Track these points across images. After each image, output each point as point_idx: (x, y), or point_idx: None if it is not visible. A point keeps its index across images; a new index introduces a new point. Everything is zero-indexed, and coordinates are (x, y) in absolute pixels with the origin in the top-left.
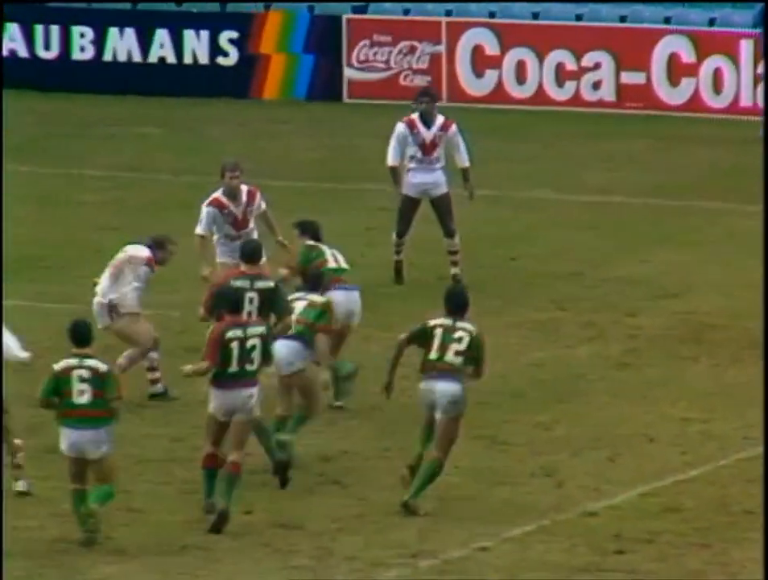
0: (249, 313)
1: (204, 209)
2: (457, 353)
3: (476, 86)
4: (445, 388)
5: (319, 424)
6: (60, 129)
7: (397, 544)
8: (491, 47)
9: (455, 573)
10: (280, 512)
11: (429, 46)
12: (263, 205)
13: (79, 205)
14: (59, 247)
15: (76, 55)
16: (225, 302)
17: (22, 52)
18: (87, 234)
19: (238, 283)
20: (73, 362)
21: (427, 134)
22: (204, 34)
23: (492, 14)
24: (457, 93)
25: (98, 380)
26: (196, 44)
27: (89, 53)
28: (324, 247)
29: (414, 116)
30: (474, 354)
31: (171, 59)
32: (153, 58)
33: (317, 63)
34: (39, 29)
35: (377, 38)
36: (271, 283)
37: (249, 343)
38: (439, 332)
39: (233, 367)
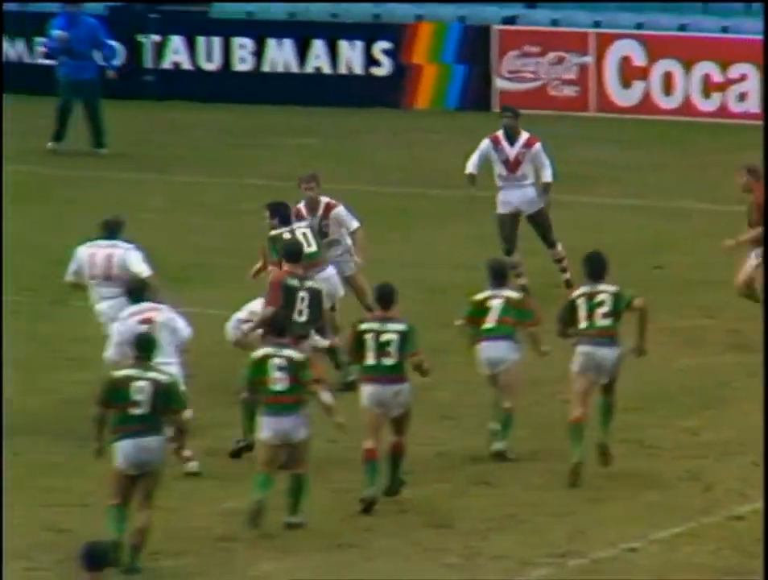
0: (301, 311)
1: None
2: (605, 315)
3: (623, 97)
4: (606, 353)
5: (471, 427)
6: (223, 139)
7: (546, 543)
8: (638, 59)
9: (603, 573)
10: (432, 512)
11: (577, 57)
12: (353, 224)
13: (241, 214)
14: (223, 255)
15: (237, 66)
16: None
17: (186, 65)
18: (249, 242)
19: (291, 282)
20: (271, 350)
21: (511, 151)
22: (359, 44)
23: (639, 26)
24: (605, 104)
25: (294, 367)
26: (350, 54)
27: (249, 64)
28: (294, 230)
29: (500, 133)
30: (621, 310)
31: (327, 69)
32: (309, 68)
33: (468, 73)
34: (201, 41)
35: (526, 49)
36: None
37: (384, 338)
38: (581, 301)
39: (370, 360)
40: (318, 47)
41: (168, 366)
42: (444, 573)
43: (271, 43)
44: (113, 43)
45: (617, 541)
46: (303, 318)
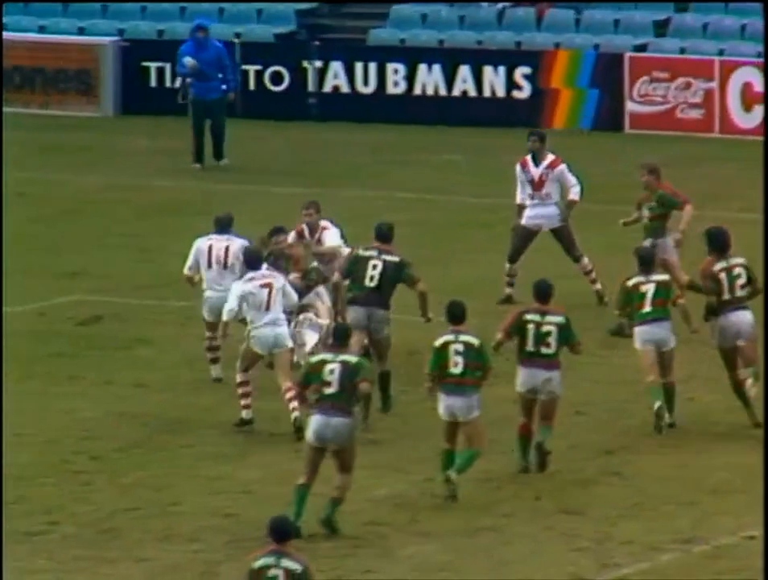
0: (372, 277)
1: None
2: (742, 286)
3: (745, 119)
4: (746, 318)
5: (602, 421)
6: (378, 156)
7: (672, 530)
8: (758, 84)
9: (725, 559)
10: (565, 500)
11: (703, 82)
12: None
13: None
14: None
15: (390, 89)
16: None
17: (345, 88)
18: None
19: (366, 253)
20: (450, 337)
21: (535, 172)
22: (501, 70)
23: (759, 55)
24: (728, 126)
25: (471, 353)
26: (494, 79)
27: (401, 87)
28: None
29: (527, 157)
30: (753, 277)
31: (472, 92)
32: (456, 91)
33: (601, 97)
34: (358, 66)
35: (655, 74)
36: (397, 258)
37: (545, 328)
38: (723, 275)
39: (530, 347)
40: (464, 72)
41: (280, 321)
42: (576, 557)
43: (422, 68)
44: (229, 67)
45: (737, 529)
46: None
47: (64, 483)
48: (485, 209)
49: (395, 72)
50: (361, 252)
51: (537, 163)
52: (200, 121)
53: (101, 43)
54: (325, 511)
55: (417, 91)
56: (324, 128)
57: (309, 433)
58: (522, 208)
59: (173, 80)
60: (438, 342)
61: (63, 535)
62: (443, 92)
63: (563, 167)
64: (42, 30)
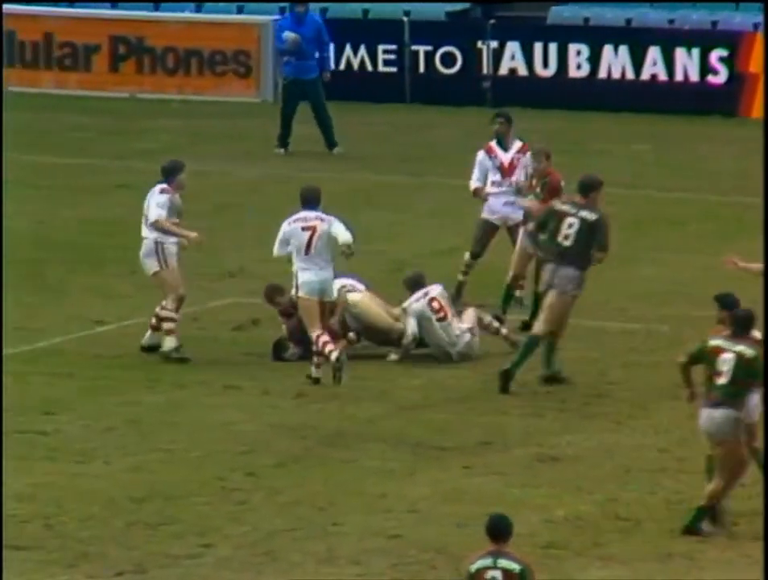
0: (567, 236)
1: None
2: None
3: None
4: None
5: None
6: (557, 145)
7: None
8: None
9: None
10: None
11: None
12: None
13: None
14: None
15: (572, 73)
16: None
17: (522, 71)
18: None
19: (563, 208)
20: (722, 343)
21: (505, 157)
22: (695, 52)
23: None
24: None
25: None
26: (687, 62)
27: (584, 71)
28: None
29: (492, 142)
30: None
31: (663, 76)
32: (645, 75)
33: None
34: (537, 47)
35: None
36: (595, 216)
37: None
38: None
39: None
40: (654, 54)
41: (326, 268)
42: None
43: (608, 49)
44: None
45: None
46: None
47: (218, 502)
48: (675, 204)
49: (578, 54)
50: (558, 206)
51: (505, 147)
52: (293, 102)
53: (262, 22)
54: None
55: (602, 74)
56: None
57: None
58: (477, 193)
59: (337, 63)
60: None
61: (216, 558)
62: (630, 76)
63: (530, 154)
64: (199, 8)
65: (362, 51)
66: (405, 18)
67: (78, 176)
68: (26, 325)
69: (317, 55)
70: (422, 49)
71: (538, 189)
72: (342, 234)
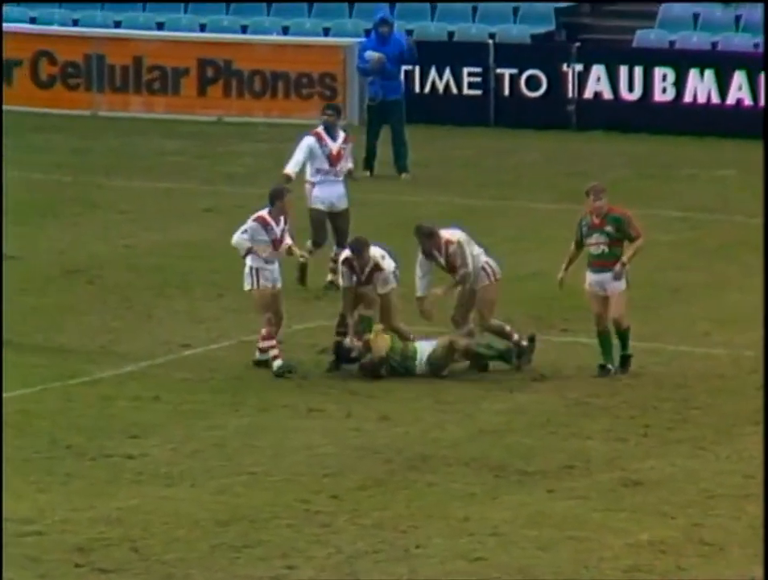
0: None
1: None
2: None
3: None
4: None
5: None
6: (639, 170)
7: None
8: None
9: None
10: None
11: None
12: None
13: (656, 245)
14: (640, 286)
15: (657, 96)
16: None
17: (606, 94)
18: (664, 274)
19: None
20: None
21: (333, 145)
22: None
23: None
24: None
25: None
26: None
27: (670, 95)
28: None
29: (320, 129)
30: None
31: (748, 101)
32: (731, 100)
33: None
34: (622, 71)
35: None
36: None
37: None
38: None
39: None
40: (740, 78)
41: None
42: None
43: (693, 73)
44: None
45: None
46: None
47: (301, 525)
48: (760, 230)
49: (663, 78)
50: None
51: (334, 137)
52: (376, 124)
53: (347, 44)
54: None
55: (687, 99)
56: (583, 138)
57: None
58: (288, 179)
59: (422, 85)
60: None
61: None
62: (715, 100)
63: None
64: (286, 31)
65: (447, 74)
66: (490, 41)
67: (166, 200)
68: (114, 349)
69: (401, 74)
70: (507, 72)
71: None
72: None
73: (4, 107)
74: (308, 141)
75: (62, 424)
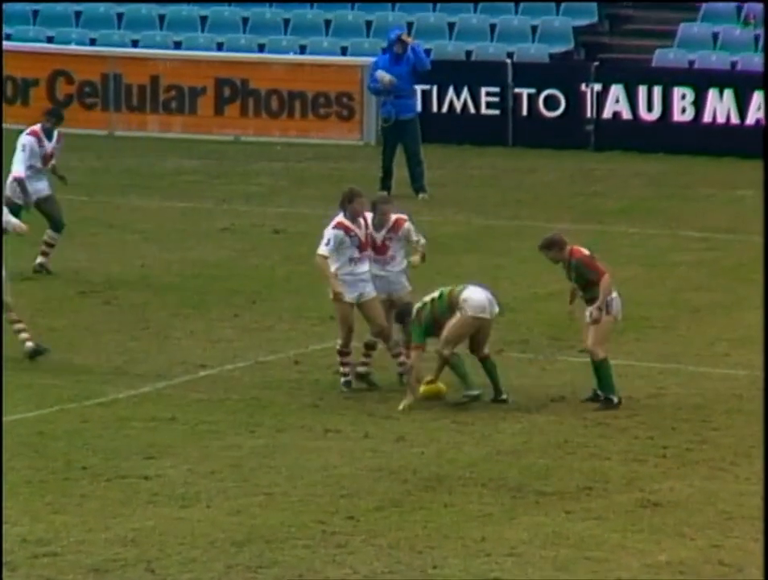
0: None
1: None
2: None
3: None
4: None
5: None
6: (658, 190)
7: None
8: None
9: None
10: None
11: None
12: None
13: (675, 265)
14: (660, 307)
15: (677, 116)
16: None
17: (625, 114)
18: (683, 294)
19: None
20: None
21: (49, 146)
22: None
23: None
24: None
25: None
26: None
27: (689, 114)
28: None
29: (38, 129)
30: None
31: None
32: (750, 120)
33: None
34: (641, 91)
35: None
36: None
37: None
38: None
39: None
40: (759, 99)
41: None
42: None
43: (712, 93)
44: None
45: None
46: None
47: (318, 545)
48: None
49: (682, 98)
50: None
51: (50, 138)
52: (392, 143)
53: (364, 63)
54: None
55: (706, 118)
56: (602, 158)
57: None
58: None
59: (439, 105)
60: None
61: None
62: (735, 120)
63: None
64: (303, 50)
65: (465, 93)
66: (508, 61)
67: (182, 220)
68: (130, 369)
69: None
70: (525, 92)
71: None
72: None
73: (20, 126)
74: (29, 140)
75: (78, 445)
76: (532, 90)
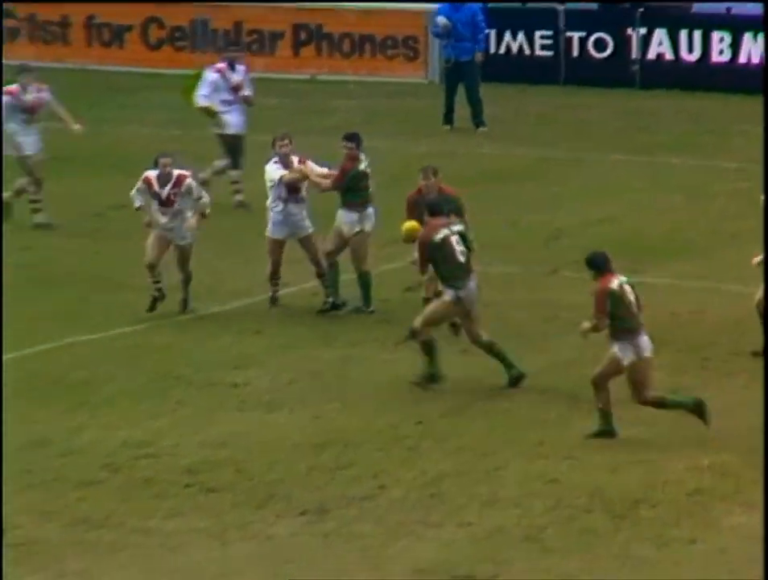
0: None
1: None
2: None
3: None
4: None
5: None
6: (699, 125)
7: None
8: None
9: None
10: None
11: None
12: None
13: (714, 195)
14: (701, 233)
15: (715, 57)
16: None
17: (668, 56)
18: (723, 222)
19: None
20: None
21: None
22: None
23: None
24: None
25: None
26: None
27: (726, 56)
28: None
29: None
30: None
31: None
32: None
33: None
34: (683, 34)
35: None
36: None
37: None
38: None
39: None
40: None
41: None
42: None
43: (747, 37)
44: (486, 30)
45: None
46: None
47: (390, 448)
48: None
49: (720, 41)
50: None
51: (235, 71)
52: (451, 82)
53: (428, 10)
54: None
55: (741, 60)
56: (646, 96)
57: None
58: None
59: (497, 47)
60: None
61: (390, 499)
62: None
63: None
64: None
65: (520, 37)
66: (561, 7)
67: (264, 151)
68: (219, 287)
69: (475, 37)
70: (576, 35)
71: None
72: None
73: (116, 67)
74: (213, 76)
75: (171, 356)
76: (582, 34)
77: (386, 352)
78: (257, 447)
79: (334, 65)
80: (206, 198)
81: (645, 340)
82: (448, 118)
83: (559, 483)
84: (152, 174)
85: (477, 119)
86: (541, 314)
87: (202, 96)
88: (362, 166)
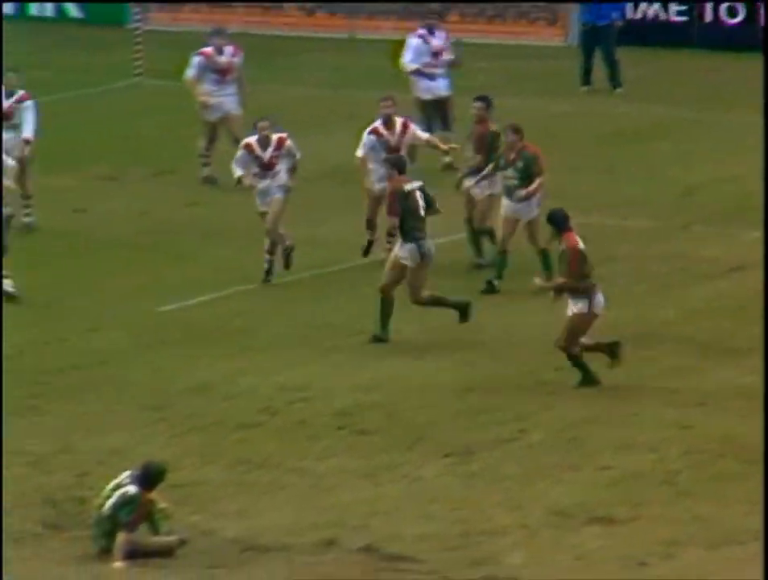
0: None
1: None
2: None
3: None
4: None
5: None
6: None
7: None
8: None
9: None
10: None
11: None
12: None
13: None
14: None
15: None
16: None
17: None
18: None
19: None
20: None
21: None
22: None
23: None
24: None
25: None
26: None
27: None
28: None
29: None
30: None
31: None
32: None
33: None
34: None
35: None
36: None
37: None
38: None
39: None
40: None
41: None
42: None
43: None
44: None
45: None
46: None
47: (531, 393)
48: None
49: None
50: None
51: (434, 35)
52: (590, 45)
53: None
54: None
55: None
56: None
57: None
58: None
59: (634, 12)
60: None
61: (530, 442)
62: None
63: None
64: None
65: (656, 3)
66: None
67: (410, 111)
68: (362, 241)
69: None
70: (709, 2)
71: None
72: None
73: (276, 31)
74: (414, 41)
75: (321, 306)
76: (715, 0)
77: (524, 302)
78: (405, 391)
79: (479, 29)
80: (299, 155)
81: (600, 298)
82: (586, 79)
83: (692, 429)
84: (252, 139)
85: (614, 81)
86: (676, 266)
87: (408, 60)
88: (494, 127)
